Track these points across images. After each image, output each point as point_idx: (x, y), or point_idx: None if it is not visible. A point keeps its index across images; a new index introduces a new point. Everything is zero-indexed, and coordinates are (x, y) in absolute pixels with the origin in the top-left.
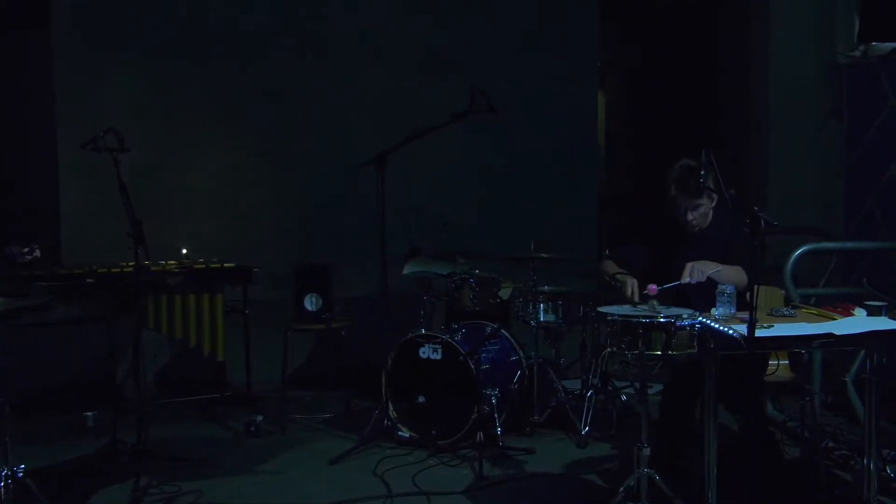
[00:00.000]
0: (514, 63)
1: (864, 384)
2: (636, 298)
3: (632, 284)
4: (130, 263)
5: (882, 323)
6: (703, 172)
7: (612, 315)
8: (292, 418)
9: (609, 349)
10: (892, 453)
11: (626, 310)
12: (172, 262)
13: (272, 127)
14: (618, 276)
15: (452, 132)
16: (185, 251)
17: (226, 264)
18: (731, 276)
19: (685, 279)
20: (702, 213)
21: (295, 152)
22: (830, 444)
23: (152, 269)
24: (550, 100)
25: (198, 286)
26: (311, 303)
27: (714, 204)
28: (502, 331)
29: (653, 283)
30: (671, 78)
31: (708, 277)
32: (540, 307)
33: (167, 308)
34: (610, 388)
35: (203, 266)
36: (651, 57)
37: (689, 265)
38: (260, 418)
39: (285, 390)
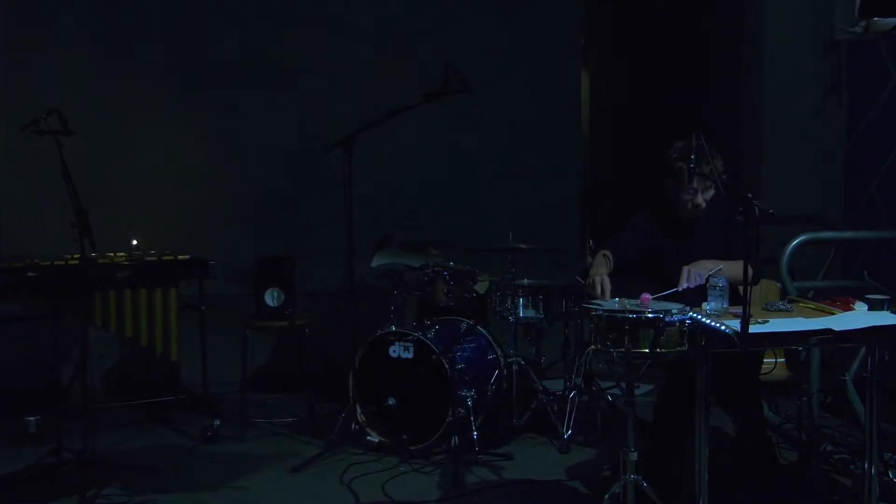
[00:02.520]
0: (488, 38)
1: (865, 383)
2: (606, 298)
3: (600, 283)
4: (76, 256)
5: (884, 318)
6: (693, 157)
7: (596, 310)
8: (252, 423)
9: (593, 347)
10: (894, 457)
11: (611, 304)
12: (122, 254)
13: (229, 107)
14: (591, 273)
15: (424, 114)
16: (135, 242)
17: (180, 256)
18: (733, 273)
19: (682, 285)
20: (708, 197)
21: (254, 134)
22: (829, 448)
23: (99, 261)
24: (529, 78)
25: (149, 280)
26: (272, 298)
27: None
28: (479, 327)
29: (645, 279)
30: (660, 56)
31: (707, 278)
32: (519, 302)
33: (116, 304)
34: (594, 388)
35: (155, 258)
36: (639, 34)
37: (685, 269)
38: (217, 423)
39: (245, 393)
